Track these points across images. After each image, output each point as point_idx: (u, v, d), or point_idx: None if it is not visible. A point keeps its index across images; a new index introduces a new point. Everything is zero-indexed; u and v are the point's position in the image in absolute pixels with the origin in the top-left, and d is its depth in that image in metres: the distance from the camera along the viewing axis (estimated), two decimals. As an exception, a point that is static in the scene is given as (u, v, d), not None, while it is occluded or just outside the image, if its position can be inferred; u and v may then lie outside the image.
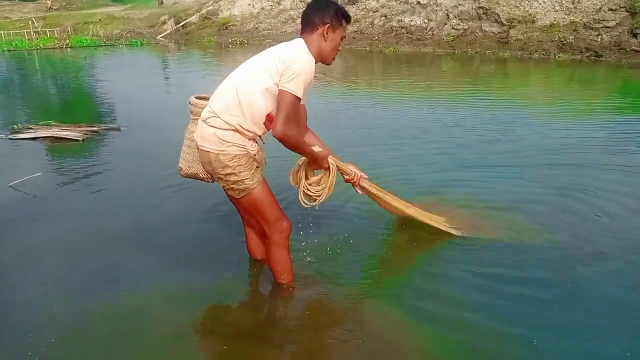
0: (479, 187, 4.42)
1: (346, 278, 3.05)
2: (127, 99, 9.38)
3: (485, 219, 3.74)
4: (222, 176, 2.62)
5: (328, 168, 2.86)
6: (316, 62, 2.64)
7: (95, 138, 6.33)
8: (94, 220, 3.83)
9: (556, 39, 15.21)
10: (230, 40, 21.56)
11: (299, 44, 2.61)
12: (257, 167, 2.66)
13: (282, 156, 2.97)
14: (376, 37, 18.20)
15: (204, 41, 22.01)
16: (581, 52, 14.48)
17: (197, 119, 2.68)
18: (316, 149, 2.79)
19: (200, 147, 2.61)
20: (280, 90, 2.48)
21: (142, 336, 2.57)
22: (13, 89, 10.91)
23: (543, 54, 15.00)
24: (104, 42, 21.98)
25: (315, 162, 2.83)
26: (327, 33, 2.63)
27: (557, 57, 14.58)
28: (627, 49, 13.79)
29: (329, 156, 2.84)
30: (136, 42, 22.20)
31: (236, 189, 2.64)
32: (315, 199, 2.90)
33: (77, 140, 6.15)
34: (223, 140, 2.53)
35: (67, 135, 6.27)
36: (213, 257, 3.30)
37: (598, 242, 3.40)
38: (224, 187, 2.71)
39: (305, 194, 2.91)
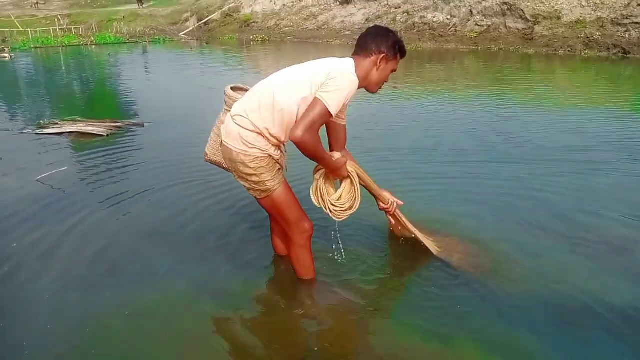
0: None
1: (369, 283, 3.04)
2: (150, 95, 9.48)
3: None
4: (243, 176, 2.59)
5: (348, 177, 2.76)
6: (359, 88, 2.59)
7: (120, 133, 6.40)
8: (119, 214, 3.87)
9: (582, 35, 14.93)
10: (251, 37, 21.64)
11: (349, 63, 2.55)
12: (279, 169, 2.63)
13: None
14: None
15: (225, 38, 22.14)
16: (608, 49, 14.19)
17: (229, 111, 2.64)
18: (335, 155, 2.72)
19: (224, 142, 2.59)
20: (315, 98, 2.41)
21: (160, 330, 2.59)
22: (39, 85, 11.10)
23: (569, 50, 14.74)
24: (128, 40, 22.25)
25: (333, 172, 2.72)
26: (380, 62, 2.58)
27: (583, 54, 14.32)
28: (656, 46, 13.48)
29: (348, 162, 2.75)
30: (159, 39, 22.44)
31: (257, 190, 2.61)
32: (345, 213, 2.78)
33: (102, 135, 6.23)
34: (246, 141, 2.50)
35: (92, 130, 6.35)
36: (237, 252, 3.30)
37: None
38: (245, 187, 2.67)
39: (333, 211, 2.76)
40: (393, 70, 2.67)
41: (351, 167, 2.76)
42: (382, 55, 2.57)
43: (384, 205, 3.08)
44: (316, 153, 2.50)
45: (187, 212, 3.89)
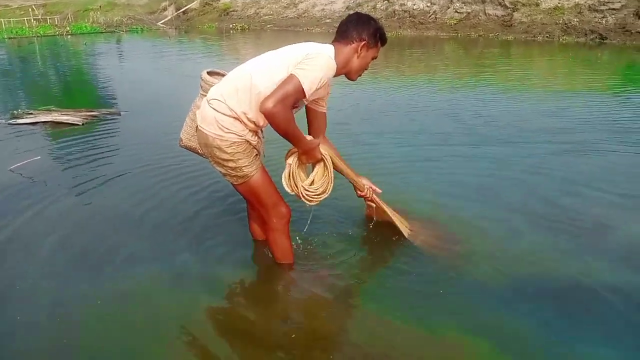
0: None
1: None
2: (127, 84, 9.33)
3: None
4: (219, 161, 2.55)
5: (321, 160, 2.70)
6: (338, 74, 2.57)
7: (96, 122, 6.29)
8: (91, 202, 3.81)
9: (560, 21, 15.07)
10: (231, 26, 21.44)
11: (328, 48, 2.52)
12: (256, 154, 2.60)
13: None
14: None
15: (204, 27, 21.90)
16: (585, 34, 14.34)
17: (205, 95, 2.58)
18: (308, 137, 2.65)
19: (199, 127, 2.53)
20: (290, 74, 2.34)
21: (132, 318, 2.54)
22: (13, 75, 10.85)
23: (547, 36, 14.87)
24: (105, 29, 21.86)
25: (306, 153, 2.63)
26: (361, 50, 2.56)
27: (561, 39, 14.44)
28: (633, 31, 13.65)
29: (321, 146, 2.69)
30: (137, 28, 22.09)
31: (234, 176, 2.58)
32: (318, 197, 2.75)
33: (77, 124, 6.11)
34: (222, 126, 2.45)
35: (67, 119, 6.23)
36: (212, 238, 3.27)
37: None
38: (221, 172, 2.63)
39: (306, 196, 2.71)
40: (374, 58, 2.65)
41: (324, 150, 2.70)
42: (363, 43, 2.54)
43: (360, 192, 3.06)
44: (287, 128, 2.40)
45: (160, 199, 3.84)
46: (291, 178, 2.70)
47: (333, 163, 2.76)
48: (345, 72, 2.60)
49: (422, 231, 3.25)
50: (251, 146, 2.55)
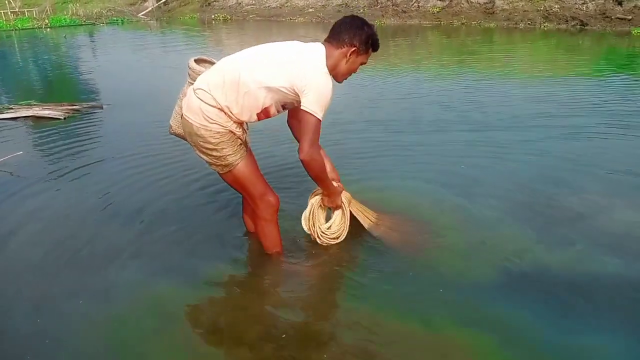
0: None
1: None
2: (109, 77, 9.21)
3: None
4: (204, 150, 2.56)
5: (341, 207, 2.88)
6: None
7: (78, 116, 6.22)
8: (76, 198, 3.78)
9: (542, 8, 15.14)
10: (213, 16, 21.19)
11: (320, 53, 2.51)
12: (240, 144, 2.60)
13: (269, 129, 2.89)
14: (361, 10, 17.98)
15: (186, 18, 21.63)
16: (567, 21, 14.44)
17: (192, 84, 2.59)
18: (334, 184, 2.80)
19: (185, 116, 2.54)
20: (303, 110, 2.43)
21: (119, 313, 2.52)
22: (-8, 70, 10.66)
23: (529, 23, 14.94)
24: (84, 21, 21.48)
25: (329, 196, 2.81)
26: (350, 55, 2.56)
27: (542, 26, 14.53)
28: (612, 17, 13.78)
29: (343, 192, 2.87)
30: (117, 20, 21.74)
31: (219, 165, 2.59)
32: (332, 241, 2.93)
33: (59, 119, 6.03)
34: (207, 116, 2.47)
35: (48, 114, 6.15)
36: (205, 230, 3.26)
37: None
38: (206, 161, 2.64)
39: (321, 238, 2.91)
40: (362, 63, 2.66)
41: (344, 197, 2.87)
42: (353, 49, 2.55)
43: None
44: (321, 174, 2.60)
45: (147, 195, 3.80)
46: (310, 218, 2.90)
47: (352, 203, 2.95)
48: (332, 74, 2.61)
49: (389, 224, 3.18)
50: (235, 136, 2.55)
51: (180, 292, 2.68)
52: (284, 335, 2.34)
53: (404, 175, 4.06)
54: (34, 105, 6.62)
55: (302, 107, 2.43)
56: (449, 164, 4.26)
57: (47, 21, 20.89)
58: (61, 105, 6.54)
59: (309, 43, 2.58)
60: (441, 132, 5.16)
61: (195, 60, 2.70)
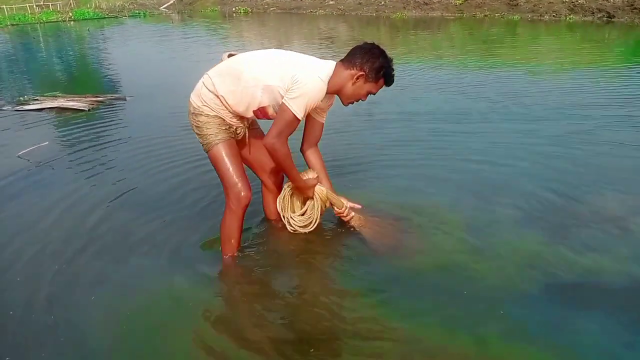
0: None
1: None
2: (132, 69, 9.31)
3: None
4: (194, 128, 2.70)
5: (310, 198, 2.88)
6: (331, 93, 2.61)
7: (101, 108, 6.30)
8: (99, 188, 3.82)
9: (567, 0, 14.85)
10: (234, 9, 21.28)
11: (323, 66, 2.55)
12: (226, 129, 2.66)
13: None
14: (383, 3, 17.86)
15: (207, 11, 21.76)
16: (593, 13, 14.15)
17: None
18: (305, 175, 2.80)
19: (190, 97, 2.69)
20: (283, 104, 2.46)
21: (136, 306, 2.50)
22: (18, 63, 10.84)
23: (553, 15, 14.68)
24: (107, 15, 21.74)
25: (299, 189, 2.84)
26: (357, 79, 2.55)
27: (567, 18, 14.26)
28: (641, 8, 13.46)
29: (316, 186, 2.84)
30: (139, 13, 21.96)
31: (202, 143, 2.70)
32: (300, 228, 2.95)
33: (83, 110, 6.12)
34: (202, 99, 2.61)
35: (73, 105, 6.24)
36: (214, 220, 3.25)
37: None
38: (198, 139, 2.74)
39: (290, 222, 2.95)
40: (370, 92, 2.63)
41: (319, 191, 2.87)
42: (360, 73, 2.55)
43: (338, 210, 2.99)
44: (284, 164, 2.60)
45: (171, 185, 3.83)
46: (283, 202, 2.94)
47: (330, 199, 2.92)
48: (337, 94, 2.65)
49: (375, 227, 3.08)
50: (224, 122, 2.64)
51: (198, 283, 2.67)
52: (312, 350, 2.29)
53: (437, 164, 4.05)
54: (59, 96, 6.72)
55: (283, 101, 2.46)
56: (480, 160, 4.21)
57: (70, 14, 21.20)
58: (85, 97, 6.63)
59: (325, 60, 2.63)
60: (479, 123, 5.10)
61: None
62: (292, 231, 2.97)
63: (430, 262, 2.78)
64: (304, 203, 2.95)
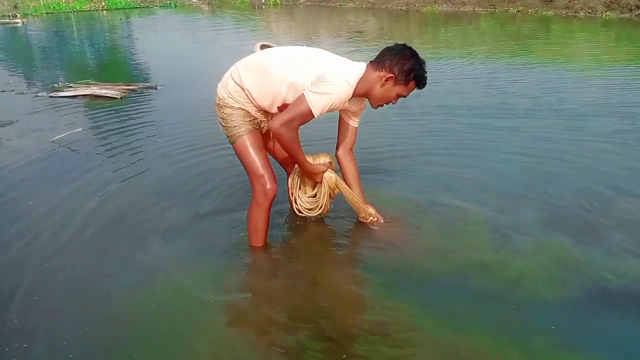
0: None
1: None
2: (163, 58, 9.41)
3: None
4: (220, 120, 2.70)
5: (318, 183, 2.85)
6: (358, 96, 2.57)
7: (133, 96, 6.39)
8: (130, 175, 3.88)
9: (604, -5, 14.47)
10: (263, 0, 21.29)
11: (353, 68, 2.52)
12: (250, 120, 2.64)
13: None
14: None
15: (237, 2, 21.81)
16: (630, 10, 13.77)
17: None
18: (316, 159, 2.77)
19: (218, 86, 2.69)
20: (302, 94, 2.42)
21: (148, 298, 2.49)
22: (52, 50, 11.04)
23: (589, 12, 14.33)
24: (139, 4, 21.98)
25: (306, 174, 2.80)
26: (386, 82, 2.51)
27: (604, 15, 13.90)
28: (682, 6, 13.04)
29: (325, 173, 2.80)
30: (170, 3, 22.14)
31: (227, 135, 2.69)
32: (306, 210, 2.93)
33: (116, 98, 6.22)
34: (228, 91, 2.60)
35: (105, 93, 6.35)
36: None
37: None
38: (223, 132, 2.74)
39: (296, 202, 2.93)
40: (400, 95, 2.58)
41: (328, 178, 2.82)
42: (390, 75, 2.50)
43: (363, 217, 3.04)
44: (290, 149, 2.54)
45: (201, 174, 3.88)
46: (293, 180, 2.90)
47: (339, 188, 2.88)
48: (366, 96, 2.60)
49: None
50: (249, 115, 2.63)
51: (220, 275, 2.68)
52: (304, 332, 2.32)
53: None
54: (92, 84, 6.83)
55: (304, 91, 2.41)
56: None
57: (103, 4, 21.47)
58: (118, 85, 6.74)
59: (356, 62, 2.58)
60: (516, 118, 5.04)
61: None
62: (297, 212, 2.95)
63: (464, 262, 2.74)
64: (314, 187, 2.93)
